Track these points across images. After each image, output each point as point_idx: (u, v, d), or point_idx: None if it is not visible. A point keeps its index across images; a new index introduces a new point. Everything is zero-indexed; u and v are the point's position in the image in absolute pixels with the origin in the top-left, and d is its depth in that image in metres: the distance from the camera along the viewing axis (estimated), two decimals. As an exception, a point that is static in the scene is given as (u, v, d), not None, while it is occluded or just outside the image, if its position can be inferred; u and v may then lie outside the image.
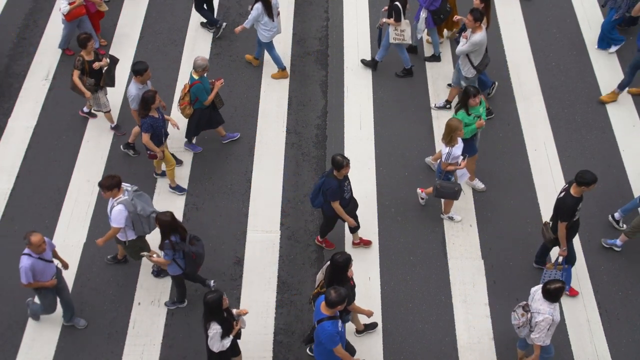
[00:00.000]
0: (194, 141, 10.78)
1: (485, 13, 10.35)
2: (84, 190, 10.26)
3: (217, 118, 10.42)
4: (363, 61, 12.02)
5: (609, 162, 10.62)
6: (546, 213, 9.99)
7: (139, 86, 9.60)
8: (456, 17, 10.87)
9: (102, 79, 10.30)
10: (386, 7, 11.21)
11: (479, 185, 10.19)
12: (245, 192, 10.31)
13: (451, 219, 9.87)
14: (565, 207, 8.17)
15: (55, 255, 8.35)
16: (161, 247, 8.11)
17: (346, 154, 10.73)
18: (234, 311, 7.58)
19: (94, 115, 11.14)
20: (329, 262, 7.58)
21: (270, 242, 9.72)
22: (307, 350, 8.57)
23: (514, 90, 11.68)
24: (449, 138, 8.95)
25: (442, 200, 9.90)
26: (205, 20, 12.70)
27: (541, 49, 12.37)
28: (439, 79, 11.86)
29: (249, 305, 9.07)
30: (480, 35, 10.07)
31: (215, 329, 7.28)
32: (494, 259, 9.53)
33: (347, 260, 7.40)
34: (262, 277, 9.36)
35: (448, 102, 11.28)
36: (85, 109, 11.10)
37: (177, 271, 8.36)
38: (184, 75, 11.91)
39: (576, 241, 9.62)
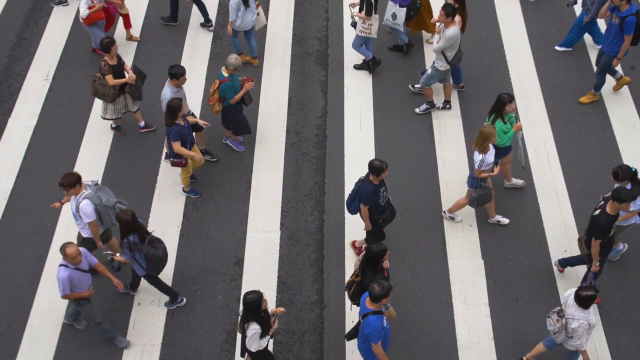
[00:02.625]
0: (239, 138, 10.78)
1: (458, 10, 10.34)
2: (84, 190, 10.26)
3: None
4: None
5: (609, 162, 10.62)
6: (546, 213, 9.99)
7: (173, 89, 9.55)
8: (433, 20, 10.84)
9: (129, 92, 10.28)
10: (355, 2, 11.30)
11: (519, 181, 10.23)
12: (245, 192, 10.31)
13: (452, 219, 9.87)
14: (600, 224, 8.07)
15: (103, 272, 8.26)
16: (120, 246, 8.18)
17: (346, 154, 10.73)
18: (270, 310, 7.57)
19: (153, 126, 11.02)
20: (364, 252, 7.70)
21: (270, 242, 9.72)
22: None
23: (514, 90, 11.68)
24: (483, 146, 8.85)
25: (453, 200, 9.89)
26: (203, 21, 12.73)
27: (541, 49, 12.37)
28: (439, 79, 11.87)
29: (249, 305, 9.07)
30: (453, 30, 10.11)
31: (254, 328, 7.27)
32: (494, 259, 9.53)
33: (382, 252, 7.55)
34: (262, 277, 9.36)
35: (447, 102, 11.28)
36: (142, 124, 10.93)
37: (141, 271, 8.38)
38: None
39: (575, 241, 9.61)
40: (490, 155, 8.93)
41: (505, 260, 9.52)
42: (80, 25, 12.79)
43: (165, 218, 9.97)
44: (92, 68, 12.06)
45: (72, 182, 8.16)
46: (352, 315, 8.96)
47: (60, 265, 7.71)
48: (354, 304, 8.12)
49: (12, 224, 9.91)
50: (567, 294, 7.66)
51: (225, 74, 9.78)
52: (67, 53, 12.35)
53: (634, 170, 8.40)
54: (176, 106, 9.02)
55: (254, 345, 7.36)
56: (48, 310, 8.99)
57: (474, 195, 9.20)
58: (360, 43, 11.60)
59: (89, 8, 11.15)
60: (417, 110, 11.29)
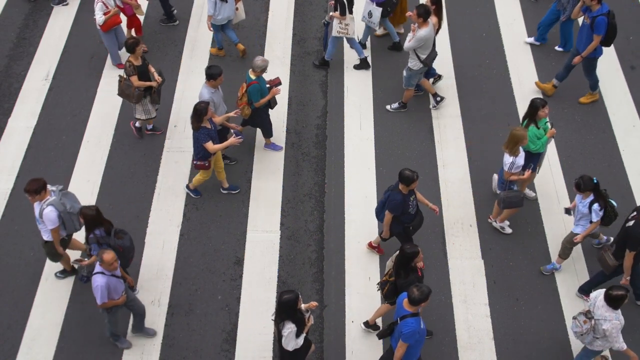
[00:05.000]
0: (272, 140, 10.80)
1: (431, 11, 10.34)
2: (84, 190, 10.26)
3: None
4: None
5: (609, 162, 10.62)
6: (546, 213, 9.98)
7: (211, 90, 9.52)
8: (408, 14, 10.87)
9: (153, 94, 10.29)
10: (332, 1, 11.34)
11: (531, 194, 10.16)
12: (245, 192, 10.31)
13: (502, 228, 9.77)
14: (637, 236, 8.00)
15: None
16: (87, 241, 8.15)
17: (346, 154, 10.73)
18: (303, 306, 7.55)
19: (160, 130, 11.00)
20: (398, 251, 7.76)
21: (270, 242, 9.72)
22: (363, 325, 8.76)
23: (514, 90, 11.68)
24: (514, 149, 8.80)
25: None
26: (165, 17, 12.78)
27: (541, 48, 12.37)
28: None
29: (249, 305, 9.08)
30: (425, 31, 10.14)
31: (289, 328, 7.26)
32: (494, 259, 9.53)
33: (414, 253, 7.60)
34: (262, 277, 9.36)
35: (435, 95, 11.28)
36: (149, 126, 10.93)
37: None
38: (184, 75, 11.91)
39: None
40: (521, 158, 8.88)
41: (505, 260, 9.52)
42: (80, 25, 12.82)
43: (165, 218, 9.97)
44: (92, 68, 12.07)
45: (38, 189, 8.13)
46: (352, 315, 8.96)
47: (96, 273, 7.63)
48: (387, 303, 8.19)
49: (12, 224, 9.90)
50: (594, 295, 7.64)
51: (253, 77, 9.74)
52: (67, 53, 12.36)
53: (595, 181, 8.39)
54: (202, 110, 8.97)
55: (290, 344, 7.34)
56: (48, 310, 9.00)
57: (502, 196, 9.14)
58: (335, 43, 11.65)
59: (104, 14, 11.04)
60: (388, 107, 11.34)
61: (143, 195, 10.24)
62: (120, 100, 11.50)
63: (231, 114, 9.66)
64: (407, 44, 10.33)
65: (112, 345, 8.67)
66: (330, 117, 11.33)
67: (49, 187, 8.31)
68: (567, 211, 9.16)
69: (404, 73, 10.85)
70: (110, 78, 11.89)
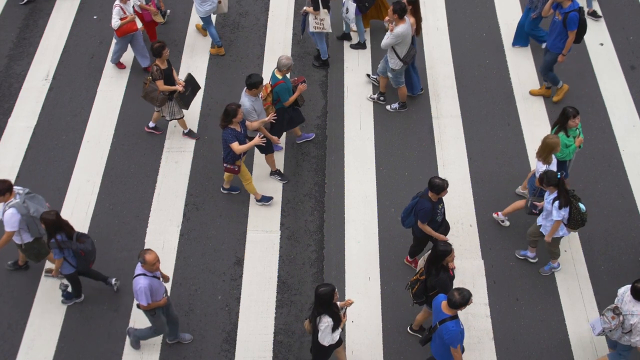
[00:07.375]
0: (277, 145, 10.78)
1: (410, 12, 10.35)
2: (84, 190, 10.27)
3: (298, 117, 10.36)
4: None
5: (609, 162, 10.63)
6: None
7: (251, 98, 9.46)
8: (386, 19, 10.87)
9: (176, 98, 10.26)
10: None
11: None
12: (246, 192, 10.31)
13: (502, 222, 9.79)
14: None
15: None
16: (49, 246, 8.17)
17: (346, 154, 10.74)
18: (339, 303, 7.55)
19: (160, 130, 11.00)
20: (430, 250, 7.74)
21: (270, 242, 9.73)
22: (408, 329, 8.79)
23: (514, 90, 11.68)
24: (548, 157, 8.76)
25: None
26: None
27: (541, 49, 12.36)
28: (439, 78, 11.87)
29: (249, 305, 9.08)
30: (401, 28, 10.14)
31: (326, 322, 7.25)
32: (494, 259, 9.53)
33: (447, 252, 7.55)
34: (262, 277, 9.37)
35: (382, 94, 11.35)
36: (152, 124, 10.92)
37: (70, 269, 8.40)
38: (183, 75, 11.91)
39: (576, 241, 9.63)
40: (553, 166, 8.84)
41: (505, 260, 9.52)
42: (80, 25, 12.83)
43: (165, 218, 9.97)
44: (92, 68, 12.07)
45: (2, 190, 8.13)
46: (352, 315, 8.96)
47: (138, 275, 7.57)
48: (416, 303, 8.18)
49: (12, 224, 9.91)
50: (621, 291, 7.65)
51: (279, 76, 9.70)
52: (67, 53, 12.36)
53: (559, 177, 8.36)
54: (232, 111, 8.95)
55: (326, 339, 7.34)
56: (48, 310, 9.00)
57: (529, 202, 9.10)
58: (321, 39, 11.68)
59: (121, 19, 11.01)
60: (388, 107, 11.36)
61: (143, 195, 10.24)
62: (120, 100, 11.51)
63: (267, 119, 9.63)
64: (385, 41, 10.32)
65: (112, 345, 8.67)
66: (330, 117, 11.33)
67: (15, 189, 8.30)
68: (534, 206, 9.13)
69: (389, 75, 10.83)
70: (110, 78, 11.90)
